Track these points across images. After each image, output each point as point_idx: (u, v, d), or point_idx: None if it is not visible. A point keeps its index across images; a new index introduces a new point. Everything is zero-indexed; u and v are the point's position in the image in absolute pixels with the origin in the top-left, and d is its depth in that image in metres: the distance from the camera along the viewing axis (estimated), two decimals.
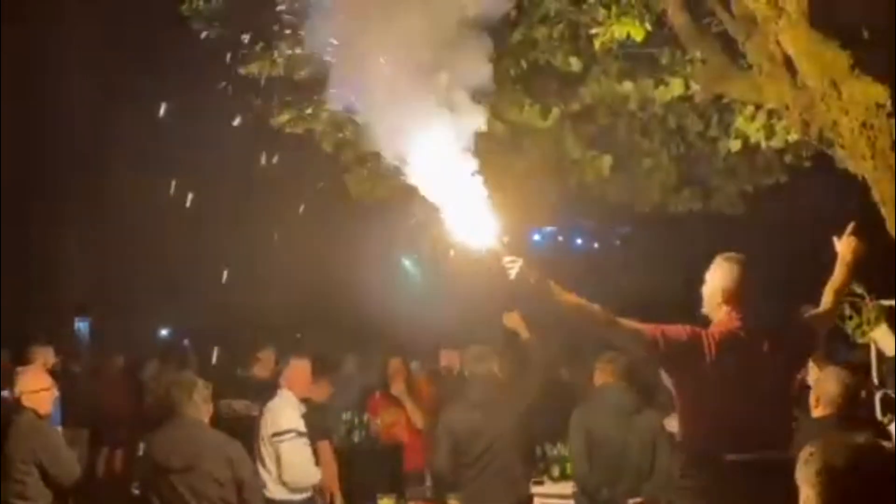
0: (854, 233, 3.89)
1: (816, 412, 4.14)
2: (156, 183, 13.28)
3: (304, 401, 5.77)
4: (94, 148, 13.34)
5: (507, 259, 3.34)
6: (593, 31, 4.59)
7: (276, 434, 5.49)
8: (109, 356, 10.38)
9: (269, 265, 13.64)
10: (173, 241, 13.99)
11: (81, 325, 17.98)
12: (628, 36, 4.49)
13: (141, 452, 4.61)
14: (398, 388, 6.92)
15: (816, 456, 1.83)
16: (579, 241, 15.38)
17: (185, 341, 10.76)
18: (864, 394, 4.49)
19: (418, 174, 3.49)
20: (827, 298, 3.78)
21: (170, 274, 15.18)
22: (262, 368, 7.93)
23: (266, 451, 5.49)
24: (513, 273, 3.31)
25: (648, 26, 4.50)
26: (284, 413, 5.61)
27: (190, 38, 5.48)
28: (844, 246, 3.84)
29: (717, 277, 3.56)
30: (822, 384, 4.11)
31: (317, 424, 5.79)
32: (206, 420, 4.42)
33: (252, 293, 13.85)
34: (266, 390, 6.87)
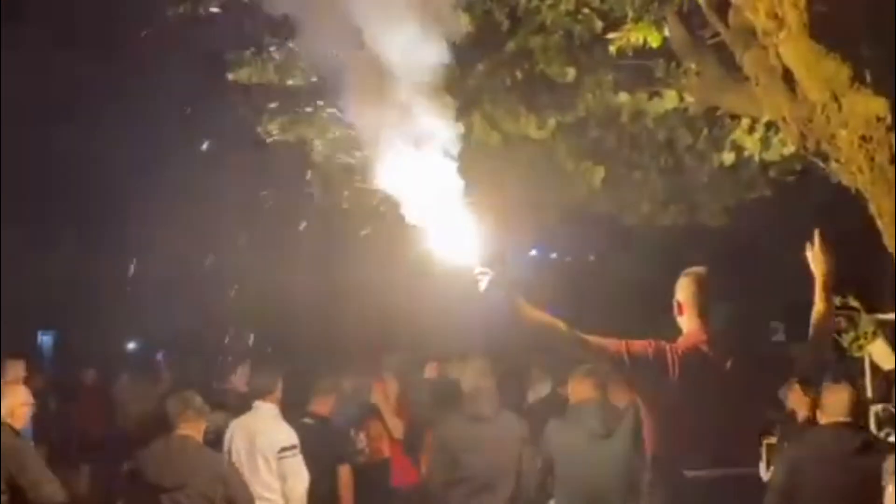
0: (821, 245, 3.81)
1: (824, 419, 4.23)
2: (126, 190, 13.08)
3: (310, 415, 5.64)
4: (63, 153, 13.02)
5: (478, 270, 3.31)
6: (610, 35, 4.56)
7: (283, 450, 5.31)
8: (76, 370, 10.11)
9: (243, 275, 13.45)
10: (143, 250, 13.73)
11: (45, 338, 17.56)
12: (645, 42, 4.46)
13: (127, 470, 4.41)
14: (377, 398, 6.86)
15: None
16: (554, 254, 15.40)
17: (159, 355, 10.54)
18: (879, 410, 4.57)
19: (407, 186, 3.43)
20: (813, 324, 3.71)
21: (140, 284, 14.88)
22: (239, 381, 7.78)
23: (268, 467, 5.27)
24: (482, 285, 3.28)
25: (666, 32, 4.47)
26: (284, 428, 5.46)
27: (177, 43, 5.34)
28: (814, 263, 3.76)
29: (676, 291, 3.56)
30: (832, 394, 4.19)
31: (331, 444, 5.64)
32: (200, 435, 4.27)
33: (225, 304, 13.64)
34: (239, 402, 6.75)
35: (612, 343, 3.39)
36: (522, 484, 5.28)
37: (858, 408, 4.37)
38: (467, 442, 5.23)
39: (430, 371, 7.69)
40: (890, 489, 2.88)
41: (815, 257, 3.73)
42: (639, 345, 3.38)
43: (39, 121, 12.03)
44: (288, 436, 5.38)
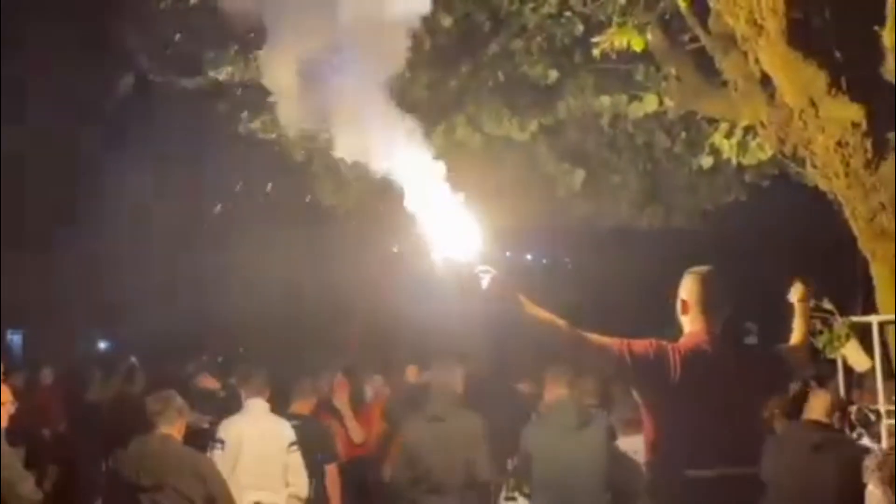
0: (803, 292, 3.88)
1: (810, 416, 4.32)
2: (97, 188, 12.92)
3: (294, 416, 5.61)
4: (35, 153, 12.83)
5: (480, 268, 3.28)
6: (594, 39, 4.60)
7: (291, 444, 5.31)
8: (45, 369, 9.96)
9: (217, 275, 13.35)
10: (115, 248, 13.56)
11: (14, 337, 17.30)
12: (628, 46, 4.51)
13: (106, 469, 4.37)
14: (339, 401, 6.82)
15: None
16: (529, 256, 15.47)
17: (133, 359, 10.46)
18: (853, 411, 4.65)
19: (389, 185, 3.42)
20: (794, 337, 3.78)
21: (112, 282, 14.68)
22: (209, 379, 7.72)
23: (278, 463, 5.25)
24: (485, 282, 3.27)
25: (649, 36, 4.52)
26: (284, 422, 5.45)
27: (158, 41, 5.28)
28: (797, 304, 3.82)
29: (680, 290, 3.56)
30: (815, 397, 4.28)
31: (317, 443, 5.61)
32: (180, 435, 4.24)
33: (198, 303, 13.51)
34: (212, 401, 6.70)
35: (613, 342, 3.32)
36: (479, 482, 5.30)
37: (833, 409, 4.42)
38: (424, 441, 5.29)
39: (410, 374, 7.67)
40: (870, 487, 2.93)
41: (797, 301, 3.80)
42: (640, 344, 3.33)
43: (8, 119, 11.84)
44: (290, 430, 5.38)
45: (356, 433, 6.69)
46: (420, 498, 5.29)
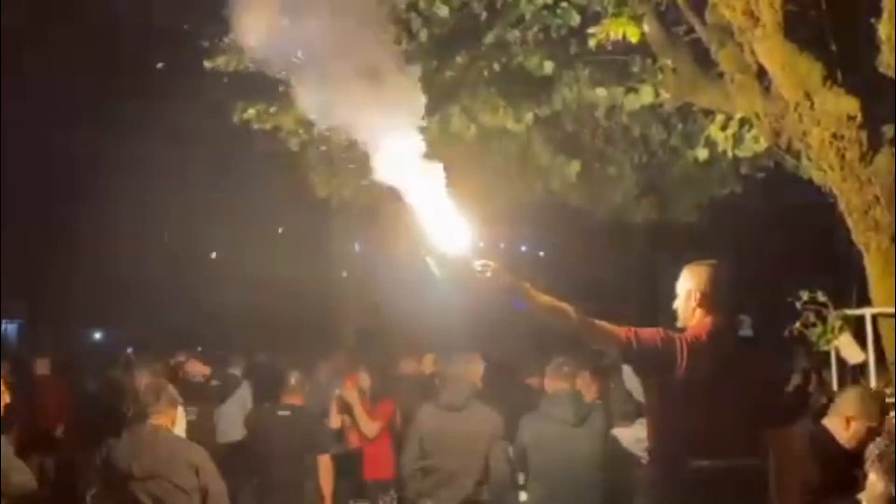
0: None
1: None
2: (96, 177, 12.89)
3: (285, 406, 5.59)
4: (33, 140, 12.78)
5: (479, 263, 3.28)
6: (590, 30, 4.58)
7: None
8: (40, 359, 9.94)
9: (214, 266, 13.35)
10: (114, 238, 13.53)
11: (10, 328, 17.29)
12: (624, 36, 4.49)
13: (100, 459, 4.36)
14: (349, 394, 6.78)
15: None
16: (524, 248, 15.45)
17: (129, 350, 10.46)
18: None
19: (383, 176, 3.41)
20: None
21: (108, 274, 14.65)
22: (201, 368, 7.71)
23: None
24: (487, 276, 3.26)
25: (645, 27, 4.50)
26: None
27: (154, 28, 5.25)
28: None
29: (692, 283, 3.54)
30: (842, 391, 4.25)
31: (310, 434, 5.60)
32: (173, 425, 4.23)
33: (194, 293, 13.51)
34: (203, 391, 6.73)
35: (620, 329, 3.34)
36: (492, 478, 5.18)
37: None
38: (436, 432, 5.19)
39: (427, 364, 7.61)
40: (872, 476, 2.93)
41: None
42: (648, 332, 3.34)
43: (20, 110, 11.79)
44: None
45: (368, 427, 6.61)
46: (429, 490, 5.18)
